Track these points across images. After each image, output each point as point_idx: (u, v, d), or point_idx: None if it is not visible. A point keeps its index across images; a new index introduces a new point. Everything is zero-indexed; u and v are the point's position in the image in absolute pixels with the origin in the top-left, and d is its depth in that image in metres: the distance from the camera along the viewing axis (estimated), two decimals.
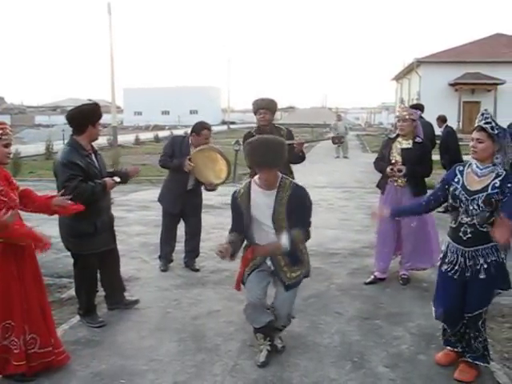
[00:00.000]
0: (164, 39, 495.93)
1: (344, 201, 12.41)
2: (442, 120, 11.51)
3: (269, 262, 4.45)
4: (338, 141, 6.88)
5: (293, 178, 6.72)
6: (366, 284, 6.47)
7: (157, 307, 5.72)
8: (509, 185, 3.91)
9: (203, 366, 4.43)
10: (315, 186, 14.56)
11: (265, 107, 6.49)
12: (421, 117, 10.38)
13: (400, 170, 6.09)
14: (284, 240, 4.20)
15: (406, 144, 6.24)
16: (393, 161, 6.25)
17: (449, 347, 4.44)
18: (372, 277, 6.57)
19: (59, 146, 25.84)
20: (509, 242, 3.90)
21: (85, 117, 5.02)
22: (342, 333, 5.05)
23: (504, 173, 3.98)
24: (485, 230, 3.97)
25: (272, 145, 4.24)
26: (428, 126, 10.17)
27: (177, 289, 6.30)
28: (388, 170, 6.20)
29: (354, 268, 7.05)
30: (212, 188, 6.80)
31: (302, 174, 6.92)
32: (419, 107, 10.73)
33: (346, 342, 4.87)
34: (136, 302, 5.74)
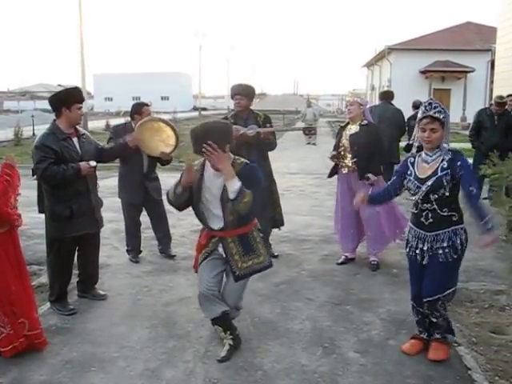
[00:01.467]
0: (135, 24, 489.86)
1: (315, 187, 12.45)
2: (413, 105, 11.56)
3: (220, 249, 4.34)
4: (309, 132, 6.92)
5: (268, 165, 6.74)
6: (338, 264, 6.62)
7: (128, 294, 5.69)
8: (458, 163, 3.99)
9: (174, 352, 4.42)
10: (287, 172, 14.61)
11: (241, 93, 6.47)
12: (391, 103, 10.52)
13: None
14: (233, 185, 3.97)
15: (355, 129, 6.32)
16: (341, 148, 6.37)
17: (417, 333, 4.51)
18: (343, 257, 6.72)
19: (29, 132, 25.57)
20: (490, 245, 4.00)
21: (58, 100, 5.05)
22: (313, 319, 5.08)
23: (450, 153, 4.05)
24: (445, 214, 4.07)
25: (213, 130, 4.07)
26: (398, 113, 10.22)
27: (148, 275, 6.27)
28: (329, 155, 6.45)
29: (325, 254, 7.09)
30: (167, 158, 6.47)
31: (273, 161, 6.90)
32: (388, 94, 10.83)
33: (316, 327, 4.90)
34: (104, 296, 5.60)
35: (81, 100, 5.11)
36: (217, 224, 4.28)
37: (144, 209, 6.86)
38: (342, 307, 5.36)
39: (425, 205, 4.12)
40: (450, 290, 4.18)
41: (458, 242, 4.09)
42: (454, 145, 4.31)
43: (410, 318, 4.80)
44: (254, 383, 3.98)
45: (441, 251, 4.09)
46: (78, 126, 5.27)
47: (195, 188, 4.24)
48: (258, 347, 4.51)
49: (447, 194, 4.02)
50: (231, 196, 4.00)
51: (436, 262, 4.12)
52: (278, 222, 6.93)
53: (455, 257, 4.10)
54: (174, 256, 6.91)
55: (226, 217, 4.19)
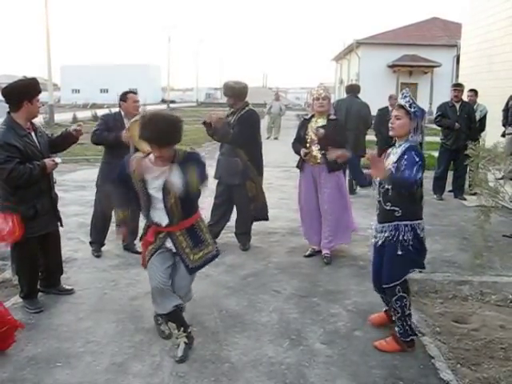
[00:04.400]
0: (103, 15, 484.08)
1: (283, 180, 12.47)
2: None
3: (169, 244, 4.26)
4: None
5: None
6: (306, 257, 6.66)
7: (94, 288, 5.64)
8: (405, 156, 4.03)
9: (141, 346, 4.41)
10: None
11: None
12: (357, 97, 10.59)
13: (317, 130, 6.23)
14: (174, 177, 3.80)
15: (322, 122, 6.34)
16: (308, 140, 6.37)
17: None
18: (310, 249, 6.76)
19: None
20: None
21: (20, 92, 4.77)
22: (280, 311, 5.11)
23: (406, 147, 4.10)
24: (387, 208, 4.18)
25: (162, 122, 3.94)
26: (364, 107, 10.29)
27: (114, 269, 6.23)
28: (302, 153, 6.37)
29: (292, 247, 7.13)
30: None
31: None
32: (355, 88, 10.91)
33: (283, 319, 4.93)
34: (70, 291, 5.52)
35: (39, 92, 4.87)
36: (163, 220, 4.20)
37: None
38: (308, 299, 5.40)
39: (377, 196, 4.30)
40: (391, 284, 4.24)
41: (401, 238, 4.12)
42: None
43: (376, 309, 4.87)
44: (221, 376, 3.99)
45: (387, 243, 4.23)
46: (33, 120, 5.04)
47: (141, 192, 4.17)
48: (225, 340, 4.52)
49: (389, 188, 4.09)
50: (180, 187, 3.81)
51: (385, 253, 4.28)
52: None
53: (399, 252, 4.14)
54: (139, 252, 6.81)
55: (170, 210, 4.12)
